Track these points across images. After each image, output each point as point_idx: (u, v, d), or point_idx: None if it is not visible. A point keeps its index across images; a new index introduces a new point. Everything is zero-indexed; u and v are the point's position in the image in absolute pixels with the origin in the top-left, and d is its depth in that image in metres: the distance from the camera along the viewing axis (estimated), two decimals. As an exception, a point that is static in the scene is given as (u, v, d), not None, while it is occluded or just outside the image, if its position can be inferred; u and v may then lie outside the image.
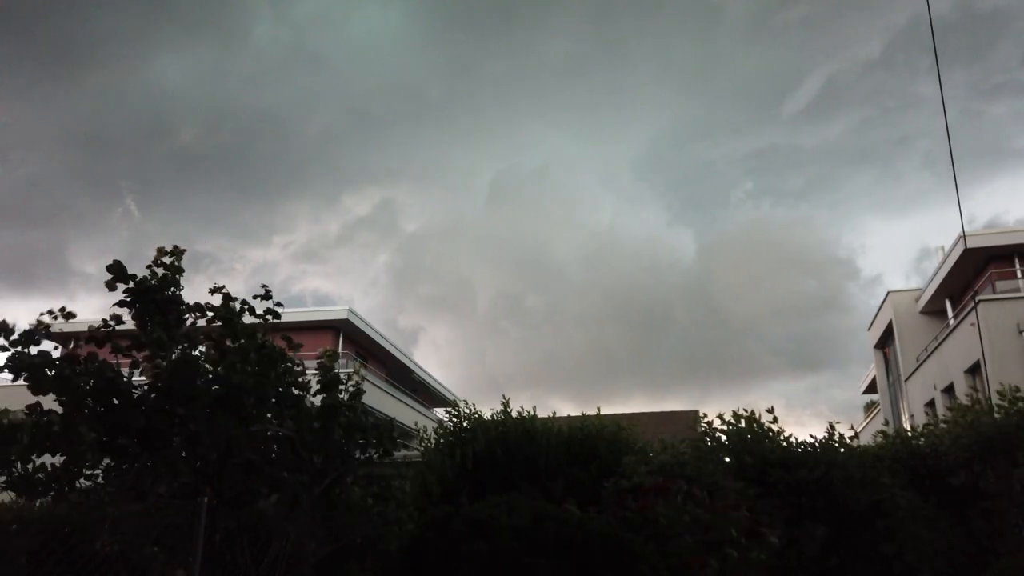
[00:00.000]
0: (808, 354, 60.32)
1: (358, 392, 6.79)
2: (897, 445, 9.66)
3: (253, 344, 6.21)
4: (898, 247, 78.19)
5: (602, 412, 10.97)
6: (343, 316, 27.05)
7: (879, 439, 10.06)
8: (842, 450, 9.09)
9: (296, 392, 6.45)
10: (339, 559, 6.49)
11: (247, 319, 6.47)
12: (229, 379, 5.93)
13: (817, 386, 64.42)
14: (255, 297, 6.65)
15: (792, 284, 57.67)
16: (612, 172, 64.20)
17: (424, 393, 36.19)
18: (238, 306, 6.43)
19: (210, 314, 6.34)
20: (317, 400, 6.61)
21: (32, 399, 5.53)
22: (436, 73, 56.58)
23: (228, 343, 6.21)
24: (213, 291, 6.45)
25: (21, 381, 5.57)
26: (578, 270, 60.15)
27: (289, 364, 6.48)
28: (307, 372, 6.73)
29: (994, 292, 21.03)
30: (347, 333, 27.31)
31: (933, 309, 25.51)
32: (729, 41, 52.73)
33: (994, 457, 8.49)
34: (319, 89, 54.81)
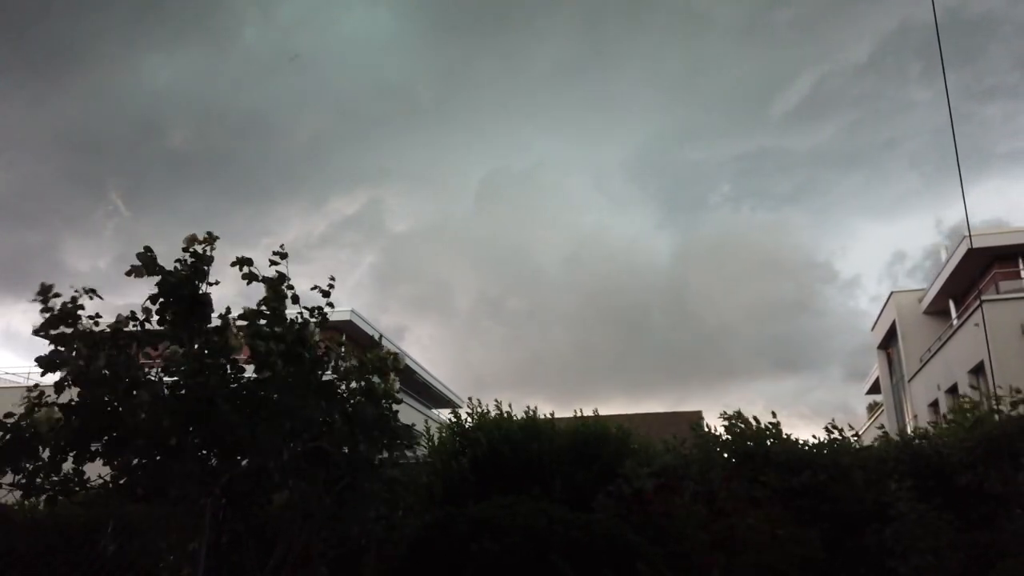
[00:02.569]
0: (788, 356, 61.03)
1: (391, 399, 6.60)
2: (900, 446, 9.63)
3: (306, 350, 5.91)
4: (882, 249, 78.58)
5: (589, 412, 10.96)
6: (346, 317, 27.08)
7: (881, 440, 10.03)
8: (846, 451, 9.07)
9: (337, 397, 6.20)
10: (344, 560, 6.50)
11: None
12: (282, 389, 5.70)
13: (797, 387, 65.01)
14: (313, 288, 6.25)
15: (772, 287, 58.24)
16: (601, 175, 64.70)
17: (427, 394, 36.22)
18: (288, 294, 6.05)
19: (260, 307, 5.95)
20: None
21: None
22: (427, 75, 56.88)
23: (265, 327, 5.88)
24: (245, 273, 5.96)
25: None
26: (563, 271, 60.60)
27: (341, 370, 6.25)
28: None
29: (998, 292, 21.00)
30: (350, 334, 27.33)
31: (936, 309, 25.48)
32: (718, 46, 52.97)
33: (998, 459, 8.47)
34: (309, 91, 55.05)
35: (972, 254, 21.54)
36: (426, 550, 6.89)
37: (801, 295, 58.06)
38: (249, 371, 5.91)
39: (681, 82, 56.99)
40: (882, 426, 11.18)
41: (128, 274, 5.66)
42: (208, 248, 5.84)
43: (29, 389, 5.52)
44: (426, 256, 63.66)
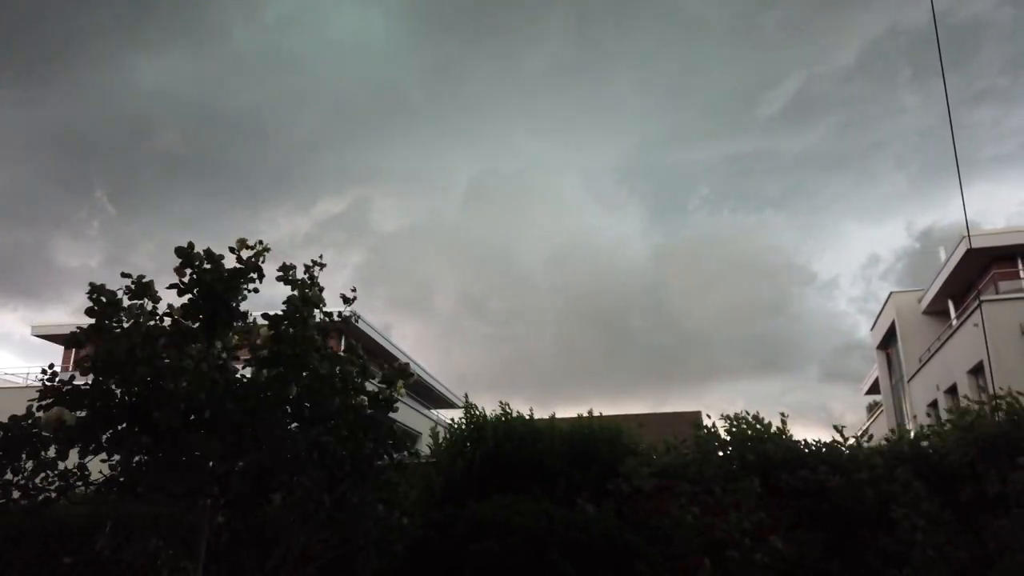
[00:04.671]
0: (769, 357, 61.53)
1: (391, 402, 6.63)
2: (901, 446, 9.63)
3: (320, 355, 5.95)
4: (861, 252, 78.94)
5: (569, 413, 10.97)
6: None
7: (883, 441, 10.04)
8: (846, 452, 9.07)
9: (340, 400, 6.21)
10: (344, 560, 6.50)
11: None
12: (307, 393, 5.75)
13: (777, 388, 65.59)
14: (343, 297, 6.35)
15: (755, 288, 58.65)
16: (590, 177, 64.92)
17: (426, 395, 36.21)
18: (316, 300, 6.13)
19: (281, 309, 6.01)
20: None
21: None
22: (418, 76, 56.89)
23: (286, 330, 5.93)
24: (283, 278, 6.08)
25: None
26: (549, 273, 60.90)
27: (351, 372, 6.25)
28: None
29: (997, 293, 20.99)
30: (351, 334, 27.28)
31: (936, 310, 25.48)
32: (709, 49, 53.09)
33: (998, 458, 8.46)
34: (299, 92, 55.06)
35: (971, 255, 21.54)
36: (425, 550, 6.87)
37: (781, 297, 58.66)
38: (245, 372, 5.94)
39: (672, 85, 57.22)
40: (896, 427, 11.31)
41: (177, 271, 5.73)
42: (260, 258, 5.89)
43: (44, 385, 5.50)
44: (413, 256, 63.94)
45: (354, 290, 6.38)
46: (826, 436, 9.35)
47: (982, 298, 19.78)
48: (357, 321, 6.46)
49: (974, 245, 21.08)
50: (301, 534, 5.96)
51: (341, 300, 6.38)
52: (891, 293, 27.77)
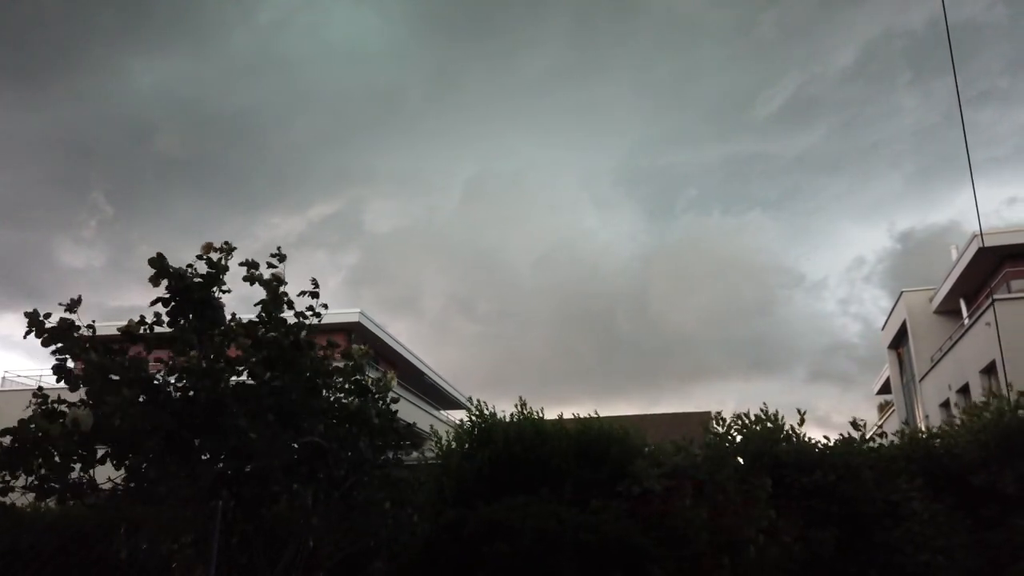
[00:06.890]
0: (759, 357, 61.66)
1: (385, 394, 6.69)
2: (911, 445, 9.56)
3: (301, 354, 6.01)
4: (850, 253, 78.68)
5: (575, 414, 10.93)
6: (355, 319, 27.09)
7: (894, 440, 9.97)
8: (857, 453, 9.02)
9: (327, 396, 6.32)
10: (354, 561, 6.51)
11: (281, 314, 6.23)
12: (284, 393, 5.79)
13: (767, 389, 65.75)
14: (301, 293, 6.40)
15: (746, 290, 58.77)
16: (587, 179, 65.05)
17: (435, 395, 36.22)
18: (284, 298, 6.21)
19: (257, 307, 6.11)
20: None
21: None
22: (416, 78, 57.08)
23: (265, 334, 6.00)
24: (248, 277, 6.13)
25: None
26: (543, 274, 61.17)
27: (330, 368, 6.34)
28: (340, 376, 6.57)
29: (1009, 291, 20.85)
30: (359, 335, 27.34)
31: (947, 309, 25.32)
32: (706, 51, 53.02)
33: (1013, 457, 8.40)
34: (297, 93, 55.33)
35: (983, 253, 21.42)
36: (437, 552, 6.87)
37: (770, 298, 58.85)
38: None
39: (669, 87, 57.22)
40: (905, 422, 11.26)
41: (152, 281, 5.73)
42: (225, 258, 5.93)
43: (35, 393, 5.53)
44: (407, 256, 64.26)
45: (315, 282, 6.42)
46: (816, 435, 9.34)
47: (995, 296, 19.65)
48: (320, 318, 6.40)
49: (985, 244, 20.99)
50: (310, 535, 5.97)
51: (309, 296, 6.41)
52: (902, 292, 27.59)
